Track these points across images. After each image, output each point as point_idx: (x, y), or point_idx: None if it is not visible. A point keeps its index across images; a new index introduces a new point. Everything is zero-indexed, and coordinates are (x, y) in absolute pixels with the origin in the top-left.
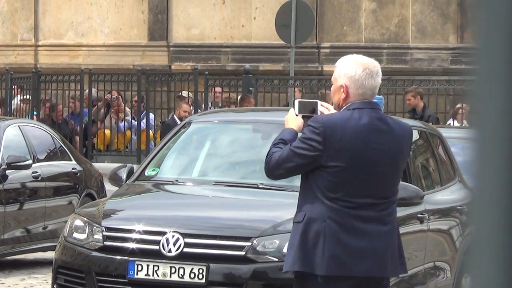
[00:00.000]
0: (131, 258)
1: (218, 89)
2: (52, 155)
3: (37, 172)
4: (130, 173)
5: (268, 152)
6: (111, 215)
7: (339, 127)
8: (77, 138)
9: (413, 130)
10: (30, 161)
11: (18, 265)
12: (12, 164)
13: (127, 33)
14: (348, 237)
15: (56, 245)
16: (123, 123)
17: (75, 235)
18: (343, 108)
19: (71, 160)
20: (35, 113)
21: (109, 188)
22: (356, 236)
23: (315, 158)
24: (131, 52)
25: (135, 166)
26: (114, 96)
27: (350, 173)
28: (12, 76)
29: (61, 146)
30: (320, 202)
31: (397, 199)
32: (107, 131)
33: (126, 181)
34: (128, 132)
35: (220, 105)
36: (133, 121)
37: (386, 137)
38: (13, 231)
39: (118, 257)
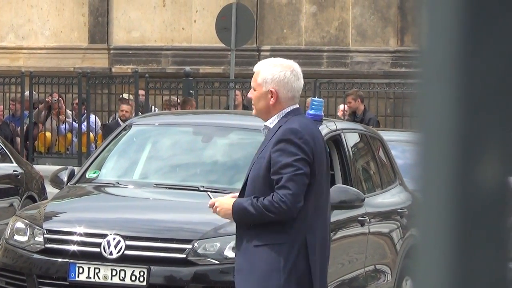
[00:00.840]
0: (72, 261)
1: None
2: None
3: None
4: (71, 175)
5: (265, 206)
6: (52, 218)
7: (309, 134)
8: (18, 140)
9: (354, 133)
10: None
11: None
12: None
13: (68, 36)
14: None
15: None
16: (64, 125)
17: (16, 237)
18: (278, 115)
19: (12, 162)
20: None
21: (50, 190)
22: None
23: (311, 170)
24: (71, 54)
25: (76, 169)
26: (55, 99)
27: (320, 183)
28: None
29: (2, 148)
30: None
31: None
32: (48, 134)
33: (67, 183)
34: (69, 135)
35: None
36: (74, 123)
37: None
38: None
39: (59, 260)
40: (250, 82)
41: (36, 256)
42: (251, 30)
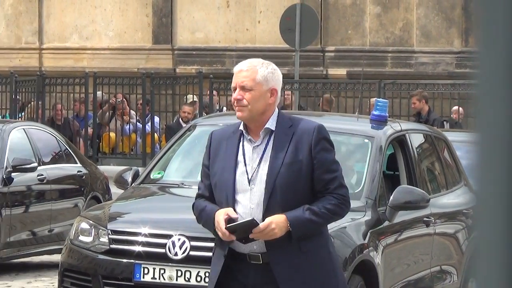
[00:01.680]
0: (137, 261)
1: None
2: (58, 158)
3: (42, 174)
4: (136, 176)
5: (331, 210)
6: (117, 218)
7: None
8: (80, 140)
9: (419, 134)
10: (36, 164)
11: (24, 268)
12: (17, 167)
13: (132, 37)
14: None
15: (62, 248)
16: (128, 126)
17: (81, 238)
18: (273, 116)
19: (76, 163)
20: (7, 115)
21: (115, 191)
22: None
23: None
24: (135, 55)
25: (140, 169)
26: (119, 99)
27: None
28: (16, 79)
29: (66, 149)
30: None
31: None
32: (112, 134)
33: (131, 184)
34: (133, 135)
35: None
36: (138, 124)
37: None
38: (19, 234)
39: (124, 260)
40: (314, 83)
41: (101, 256)
42: (315, 31)
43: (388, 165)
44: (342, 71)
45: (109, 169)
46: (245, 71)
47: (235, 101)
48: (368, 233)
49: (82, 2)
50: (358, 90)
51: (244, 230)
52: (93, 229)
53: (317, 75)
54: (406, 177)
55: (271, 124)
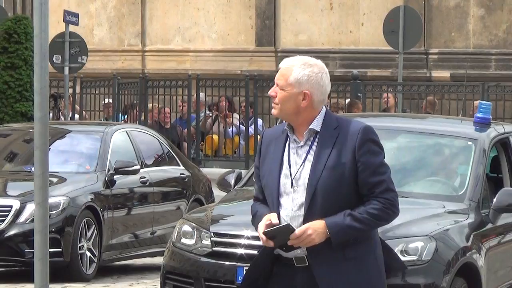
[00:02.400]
0: (240, 264)
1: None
2: (160, 160)
3: (145, 177)
4: (239, 178)
5: (375, 215)
6: (220, 221)
7: None
8: (185, 144)
9: None
10: (138, 166)
11: (126, 271)
12: (120, 169)
13: (235, 39)
14: None
15: (164, 251)
16: (231, 128)
17: (184, 240)
18: (319, 117)
19: (179, 166)
20: (125, 116)
21: (218, 193)
22: None
23: None
24: (238, 57)
25: (243, 172)
26: (222, 102)
27: None
28: (119, 81)
29: (169, 151)
30: None
31: None
32: (215, 137)
33: (234, 186)
34: (236, 138)
35: None
36: (241, 126)
37: None
38: (121, 237)
39: (227, 263)
40: (418, 86)
41: (203, 259)
42: (419, 33)
43: (491, 167)
44: (445, 74)
45: (212, 172)
46: (283, 69)
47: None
48: (471, 236)
49: (185, 4)
50: (462, 92)
51: (282, 236)
52: (195, 232)
53: (420, 77)
54: (510, 180)
55: (316, 124)
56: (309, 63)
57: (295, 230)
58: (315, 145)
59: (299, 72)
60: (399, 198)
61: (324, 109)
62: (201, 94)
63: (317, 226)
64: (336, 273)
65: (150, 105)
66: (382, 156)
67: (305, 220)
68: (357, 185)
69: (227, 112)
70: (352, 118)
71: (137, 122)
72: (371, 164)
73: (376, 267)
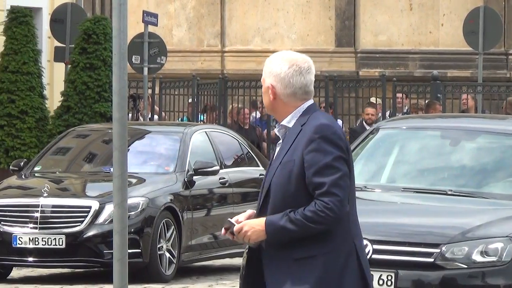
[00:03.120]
0: None
1: (399, 95)
2: (239, 161)
3: (224, 178)
4: None
5: (308, 217)
6: None
7: (340, 129)
8: (265, 145)
9: None
10: (217, 167)
11: (205, 271)
12: (199, 170)
13: (314, 39)
14: None
15: (243, 252)
16: None
17: None
18: (294, 113)
19: (258, 166)
20: (185, 118)
21: None
22: None
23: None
24: (318, 58)
25: None
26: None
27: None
28: (198, 82)
29: (248, 152)
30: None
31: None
32: None
33: None
34: None
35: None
36: None
37: None
38: (201, 237)
39: None
40: (498, 86)
41: None
42: (499, 33)
43: None
44: None
45: None
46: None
47: None
48: None
49: (265, 5)
50: None
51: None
52: None
53: (501, 78)
54: None
55: (288, 121)
56: (284, 57)
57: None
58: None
59: (268, 66)
60: (479, 199)
61: (304, 106)
62: None
63: (256, 224)
64: (283, 273)
65: (230, 106)
66: (333, 157)
67: (258, 217)
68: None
69: None
70: (323, 116)
71: (216, 122)
72: (315, 163)
73: (325, 270)
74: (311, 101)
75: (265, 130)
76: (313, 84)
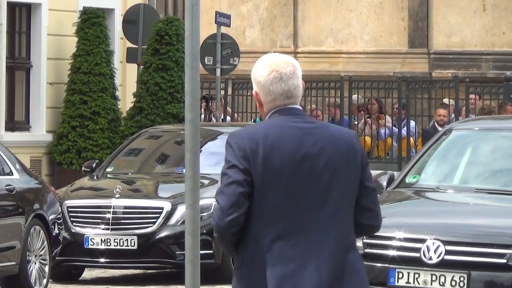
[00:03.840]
0: (391, 266)
1: (472, 96)
2: None
3: None
4: (391, 180)
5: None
6: None
7: (252, 139)
8: None
9: None
10: None
11: None
12: None
13: (387, 40)
14: None
15: None
16: (384, 130)
17: None
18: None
19: None
20: (258, 119)
21: None
22: None
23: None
24: (391, 59)
25: (395, 173)
26: (373, 105)
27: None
28: None
29: None
30: None
31: None
32: (368, 138)
33: (386, 188)
34: (389, 139)
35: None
36: (394, 128)
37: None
38: None
39: (379, 265)
40: None
41: None
42: None
43: None
44: None
45: None
46: None
47: None
48: None
49: (338, 6)
50: None
51: None
52: None
53: None
54: None
55: None
56: (266, 62)
57: None
58: None
59: (253, 71)
60: None
61: (271, 112)
62: (354, 96)
63: None
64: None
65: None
66: (227, 165)
67: None
68: None
69: (379, 113)
70: (263, 123)
71: None
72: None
73: (244, 284)
74: (276, 108)
75: None
76: (299, 88)
